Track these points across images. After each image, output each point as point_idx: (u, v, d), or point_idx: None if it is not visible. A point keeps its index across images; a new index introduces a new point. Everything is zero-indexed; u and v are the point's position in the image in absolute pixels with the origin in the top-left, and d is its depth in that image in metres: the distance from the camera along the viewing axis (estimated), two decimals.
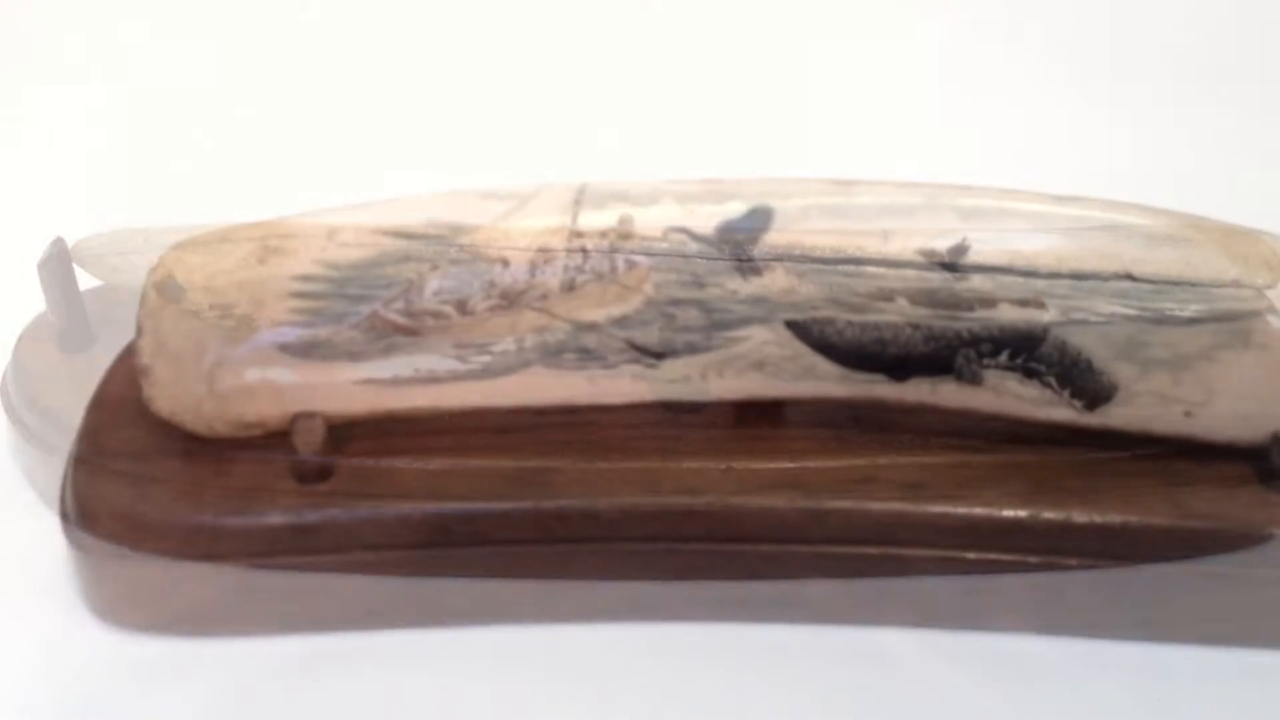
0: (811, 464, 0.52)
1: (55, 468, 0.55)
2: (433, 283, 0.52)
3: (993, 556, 0.51)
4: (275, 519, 0.51)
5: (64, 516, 0.52)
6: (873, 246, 0.52)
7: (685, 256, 0.52)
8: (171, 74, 0.88)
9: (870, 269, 0.52)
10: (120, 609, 0.53)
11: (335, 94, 0.88)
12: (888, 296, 0.51)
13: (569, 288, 0.52)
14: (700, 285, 0.52)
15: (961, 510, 0.51)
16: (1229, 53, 0.92)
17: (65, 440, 0.55)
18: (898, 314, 0.51)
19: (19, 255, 0.68)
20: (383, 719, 0.51)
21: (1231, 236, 0.52)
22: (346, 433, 0.53)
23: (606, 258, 0.51)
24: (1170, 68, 0.91)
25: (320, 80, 0.89)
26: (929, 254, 0.52)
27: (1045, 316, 0.51)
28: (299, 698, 0.51)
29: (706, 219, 0.52)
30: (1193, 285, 0.51)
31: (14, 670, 0.52)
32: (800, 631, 0.53)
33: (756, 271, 0.52)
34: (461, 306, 0.52)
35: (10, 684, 0.52)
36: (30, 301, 0.64)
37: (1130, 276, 0.51)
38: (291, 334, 0.52)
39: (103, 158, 0.83)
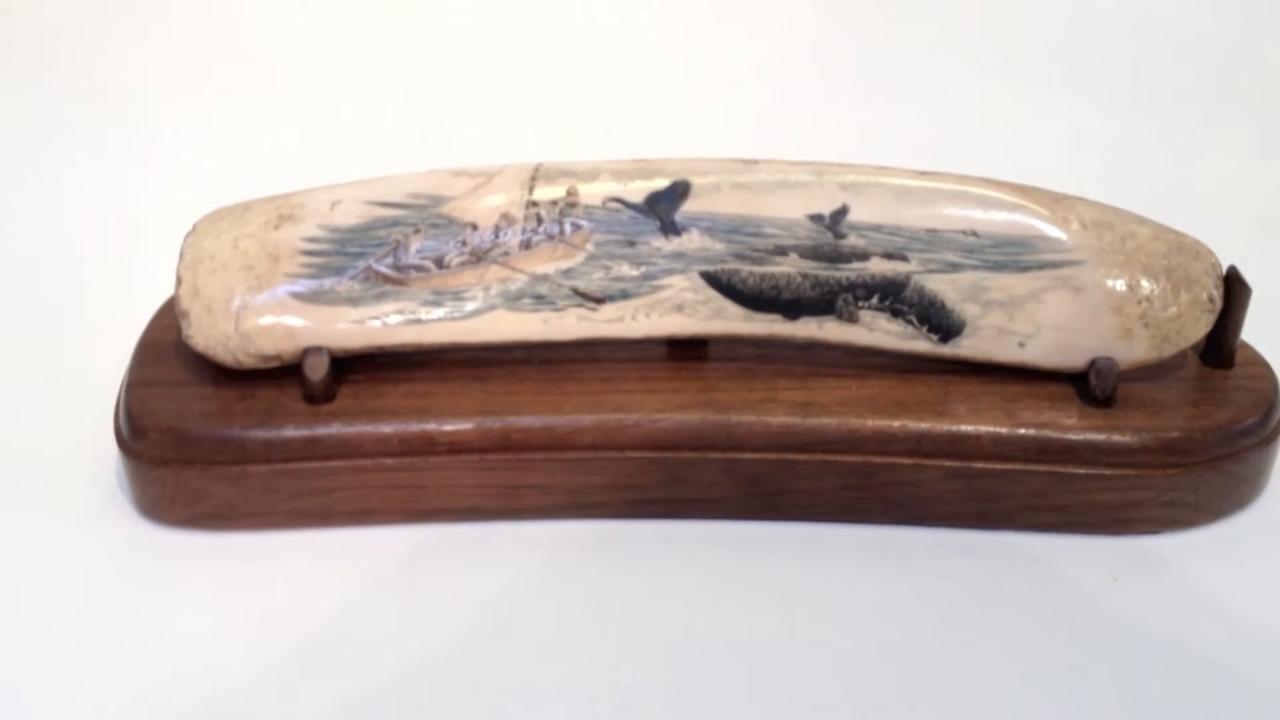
0: (722, 388, 0.57)
1: None
2: (416, 243, 0.56)
3: (867, 459, 0.55)
4: (290, 433, 0.55)
5: (118, 432, 0.56)
6: (769, 212, 0.56)
7: (620, 221, 0.56)
8: (189, 83, 0.92)
9: (768, 230, 0.56)
10: (163, 508, 0.56)
11: (338, 93, 0.91)
12: (782, 252, 0.56)
13: (526, 246, 0.56)
14: (631, 244, 0.56)
15: (840, 422, 0.55)
16: (1091, 49, 0.94)
17: None
18: (790, 266, 0.56)
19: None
20: (373, 596, 0.54)
21: (1055, 202, 0.56)
22: (347, 364, 0.57)
23: (556, 222, 0.56)
24: (1047, 65, 0.94)
25: (323, 80, 0.93)
26: (815, 217, 0.56)
27: (907, 267, 0.56)
28: (308, 582, 0.55)
29: (637, 191, 0.56)
30: (1023, 241, 0.56)
31: (75, 558, 0.55)
32: (713, 526, 0.57)
33: (676, 232, 0.56)
34: (439, 262, 0.56)
35: (71, 570, 0.55)
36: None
37: (975, 234, 0.56)
38: (301, 285, 0.55)
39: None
